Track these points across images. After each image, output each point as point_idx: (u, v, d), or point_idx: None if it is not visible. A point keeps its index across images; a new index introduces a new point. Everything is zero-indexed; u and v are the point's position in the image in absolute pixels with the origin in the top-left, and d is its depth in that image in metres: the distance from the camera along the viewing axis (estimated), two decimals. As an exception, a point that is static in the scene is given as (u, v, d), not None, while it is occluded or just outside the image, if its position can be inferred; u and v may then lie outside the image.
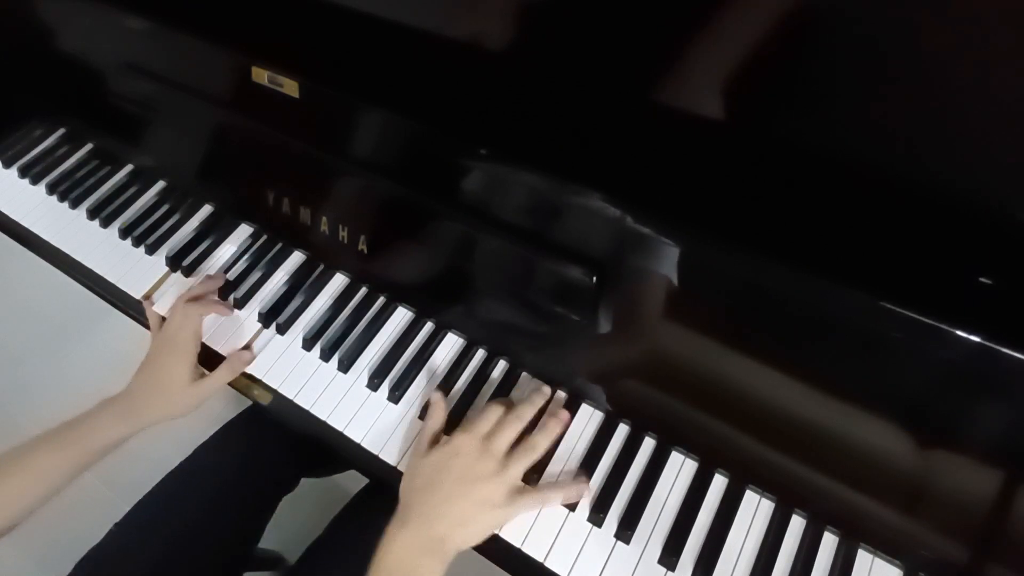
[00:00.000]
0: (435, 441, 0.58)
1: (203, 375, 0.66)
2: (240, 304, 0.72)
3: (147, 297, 0.73)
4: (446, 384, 0.65)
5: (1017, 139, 0.42)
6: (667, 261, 0.52)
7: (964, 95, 0.42)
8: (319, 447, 0.65)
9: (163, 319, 0.69)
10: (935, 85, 0.43)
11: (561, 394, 0.63)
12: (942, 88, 0.43)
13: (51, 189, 0.83)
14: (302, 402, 0.65)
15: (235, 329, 0.70)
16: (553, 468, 0.60)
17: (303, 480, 0.85)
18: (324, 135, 0.65)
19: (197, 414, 0.67)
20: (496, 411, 0.58)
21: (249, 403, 0.70)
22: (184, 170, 0.80)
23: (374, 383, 0.65)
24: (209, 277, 0.73)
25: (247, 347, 0.68)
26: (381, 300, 0.71)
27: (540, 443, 0.57)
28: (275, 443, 0.77)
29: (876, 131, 0.47)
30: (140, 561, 0.66)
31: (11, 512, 0.57)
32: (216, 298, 0.71)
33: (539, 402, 0.60)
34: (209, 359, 0.68)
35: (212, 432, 0.78)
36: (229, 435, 0.77)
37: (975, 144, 0.44)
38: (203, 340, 0.69)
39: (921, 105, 0.44)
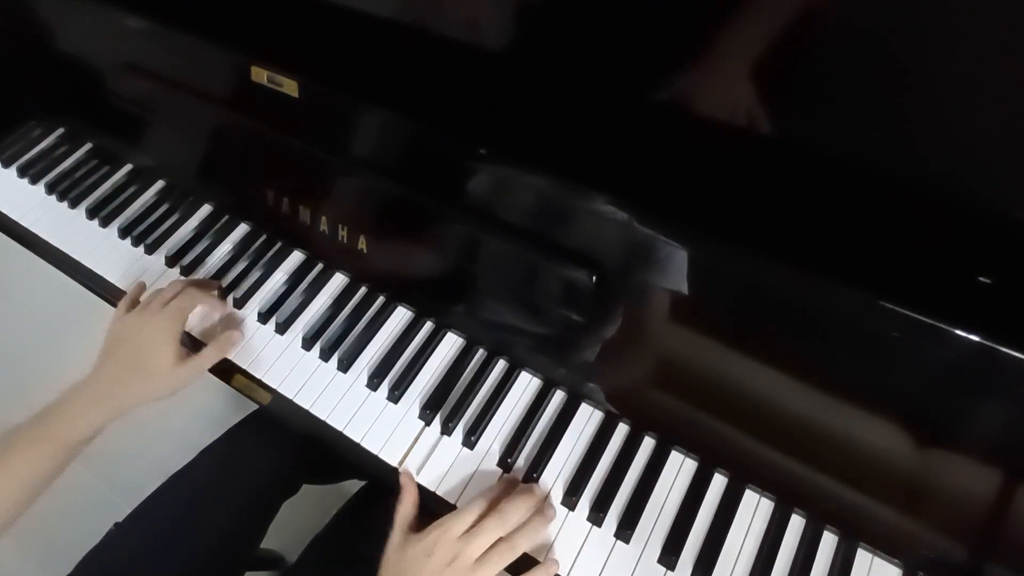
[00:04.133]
0: (411, 529, 0.55)
1: (188, 355, 0.64)
2: (239, 304, 0.72)
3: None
4: (446, 384, 0.65)
5: (1017, 139, 0.42)
6: (667, 261, 0.52)
7: (964, 94, 0.42)
8: (322, 455, 0.65)
9: (135, 304, 0.67)
10: (935, 84, 0.43)
11: (549, 491, 0.59)
12: (942, 87, 0.43)
13: (50, 188, 0.83)
14: (301, 402, 0.65)
15: (221, 313, 0.70)
16: (552, 468, 0.60)
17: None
18: (323, 135, 0.65)
19: (196, 415, 0.67)
20: (478, 507, 0.54)
21: (253, 407, 0.70)
22: (183, 169, 0.80)
23: (374, 383, 0.65)
24: (205, 281, 0.72)
25: (238, 327, 0.68)
26: (380, 300, 0.71)
27: (520, 545, 0.53)
28: (278, 449, 0.77)
29: (875, 131, 0.47)
30: (140, 563, 0.66)
31: None
32: (204, 284, 0.70)
33: (529, 504, 0.55)
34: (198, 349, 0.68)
35: (212, 432, 0.78)
36: (233, 440, 0.77)
37: (975, 144, 0.45)
38: (202, 339, 0.69)
39: (921, 104, 0.44)
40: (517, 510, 0.54)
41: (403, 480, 0.59)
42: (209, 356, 0.64)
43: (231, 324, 0.69)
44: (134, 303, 0.67)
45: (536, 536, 0.54)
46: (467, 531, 0.52)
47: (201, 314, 0.70)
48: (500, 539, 0.52)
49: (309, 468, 0.83)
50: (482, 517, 0.53)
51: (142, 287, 0.71)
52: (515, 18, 0.56)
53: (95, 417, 0.59)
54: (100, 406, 0.60)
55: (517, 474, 0.60)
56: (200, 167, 0.78)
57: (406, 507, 0.57)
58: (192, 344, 0.68)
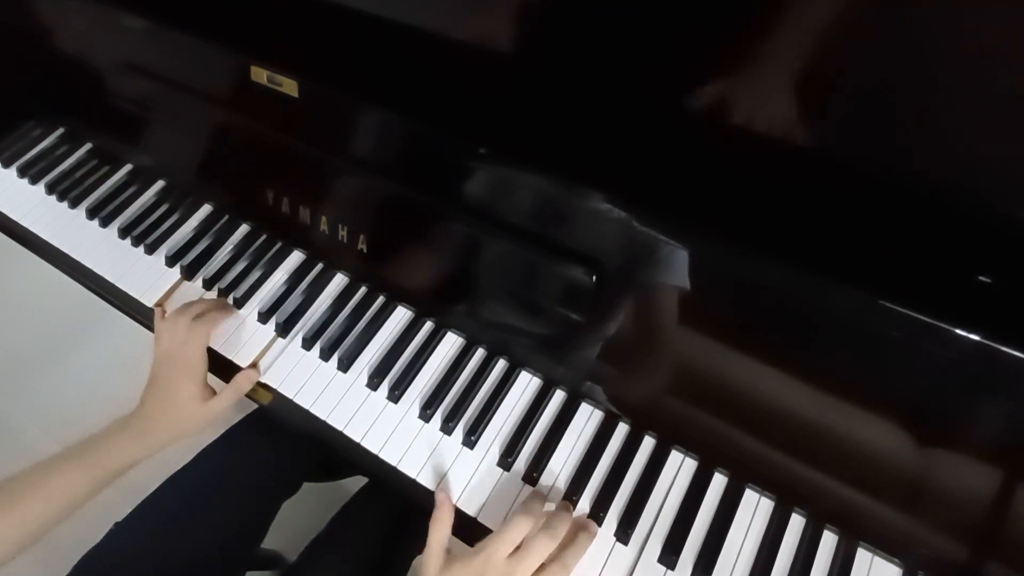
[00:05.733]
0: (449, 552, 0.52)
1: (213, 393, 0.66)
2: (240, 304, 0.72)
3: (159, 305, 0.73)
4: (446, 383, 0.65)
5: (1016, 138, 0.42)
6: (667, 261, 0.52)
7: (964, 94, 0.42)
8: (322, 454, 0.65)
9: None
10: (934, 84, 0.43)
11: (584, 507, 0.58)
12: (941, 87, 0.43)
13: (50, 188, 0.83)
14: (302, 402, 0.65)
15: (235, 328, 0.70)
16: (552, 468, 0.60)
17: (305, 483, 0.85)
18: (323, 135, 0.65)
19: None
20: (520, 526, 0.51)
21: (253, 407, 0.70)
22: (183, 169, 0.80)
23: (374, 383, 0.65)
24: (211, 301, 0.72)
25: (253, 364, 0.68)
26: (380, 299, 0.71)
27: (571, 564, 0.52)
28: (278, 448, 0.77)
29: (875, 130, 0.47)
30: (140, 562, 0.66)
31: (30, 532, 0.56)
32: (217, 305, 0.71)
33: (570, 519, 0.54)
34: (210, 359, 0.68)
35: (213, 432, 0.78)
36: (233, 439, 0.77)
37: (974, 143, 0.45)
38: (222, 353, 0.69)
39: (920, 104, 0.44)
40: (564, 524, 0.53)
41: (439, 499, 0.56)
42: (228, 396, 0.66)
43: (241, 337, 0.69)
44: (163, 335, 0.67)
45: (583, 552, 0.53)
46: (514, 551, 0.50)
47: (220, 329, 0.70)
48: (552, 561, 0.51)
49: (309, 467, 0.83)
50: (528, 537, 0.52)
51: (161, 315, 0.70)
52: (515, 19, 0.56)
53: (134, 452, 0.61)
54: (139, 442, 0.62)
55: (517, 473, 0.60)
56: (200, 167, 0.78)
57: (442, 530, 0.54)
58: (215, 360, 0.68)
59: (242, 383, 0.66)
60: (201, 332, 0.66)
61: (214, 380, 0.68)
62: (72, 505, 0.58)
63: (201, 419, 0.64)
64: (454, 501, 0.59)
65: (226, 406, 0.66)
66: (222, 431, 0.79)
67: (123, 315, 0.76)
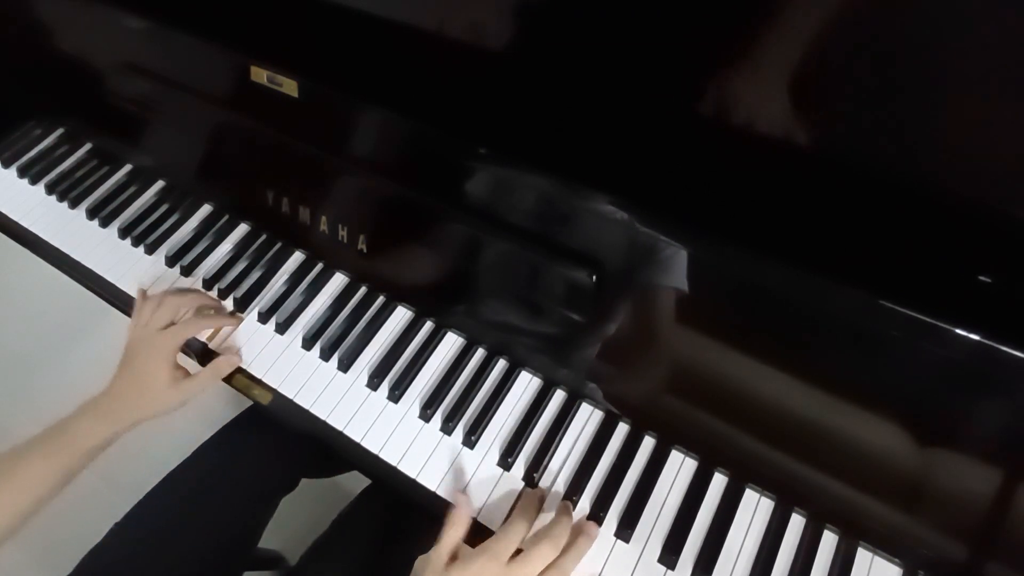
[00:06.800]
0: (454, 557, 0.52)
1: (186, 374, 0.65)
2: (240, 304, 0.72)
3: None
4: (446, 383, 0.65)
5: (1016, 138, 0.42)
6: (668, 261, 0.52)
7: (963, 94, 0.42)
8: (319, 448, 0.65)
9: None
10: (934, 84, 0.43)
11: (584, 507, 0.58)
12: (941, 87, 0.43)
13: (50, 189, 0.83)
14: (302, 402, 0.65)
15: (234, 328, 0.70)
16: (553, 468, 0.60)
17: (303, 480, 0.85)
18: (323, 135, 0.65)
19: (197, 414, 0.66)
20: (521, 527, 0.52)
21: (249, 403, 0.70)
22: (183, 170, 0.80)
23: (374, 383, 0.65)
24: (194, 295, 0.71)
25: (236, 351, 0.68)
26: (381, 299, 0.71)
27: (568, 568, 0.52)
28: (275, 444, 0.77)
29: (875, 130, 0.47)
30: (141, 561, 0.66)
31: (3, 525, 0.56)
32: (216, 306, 0.70)
33: (570, 523, 0.54)
34: (209, 359, 0.68)
35: (212, 432, 0.78)
36: (229, 436, 0.77)
37: (974, 143, 0.45)
38: (205, 340, 0.69)
39: (920, 104, 0.44)
40: (565, 531, 0.53)
41: (459, 501, 0.55)
42: (204, 379, 0.65)
43: (241, 337, 0.69)
44: (143, 314, 0.67)
45: (582, 556, 0.53)
46: (514, 556, 0.50)
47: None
48: (550, 567, 0.51)
49: (306, 463, 0.83)
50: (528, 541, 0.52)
51: (143, 295, 0.70)
52: (517, 19, 0.56)
53: (105, 430, 0.61)
54: (109, 420, 0.61)
55: (517, 473, 0.60)
56: (200, 167, 0.78)
57: (457, 531, 0.53)
58: (205, 352, 0.68)
59: (221, 366, 0.66)
60: (193, 324, 0.66)
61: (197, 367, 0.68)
62: (45, 496, 0.58)
63: (171, 398, 0.63)
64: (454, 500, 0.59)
65: (200, 388, 0.65)
66: (217, 429, 0.79)
67: (123, 315, 0.76)
